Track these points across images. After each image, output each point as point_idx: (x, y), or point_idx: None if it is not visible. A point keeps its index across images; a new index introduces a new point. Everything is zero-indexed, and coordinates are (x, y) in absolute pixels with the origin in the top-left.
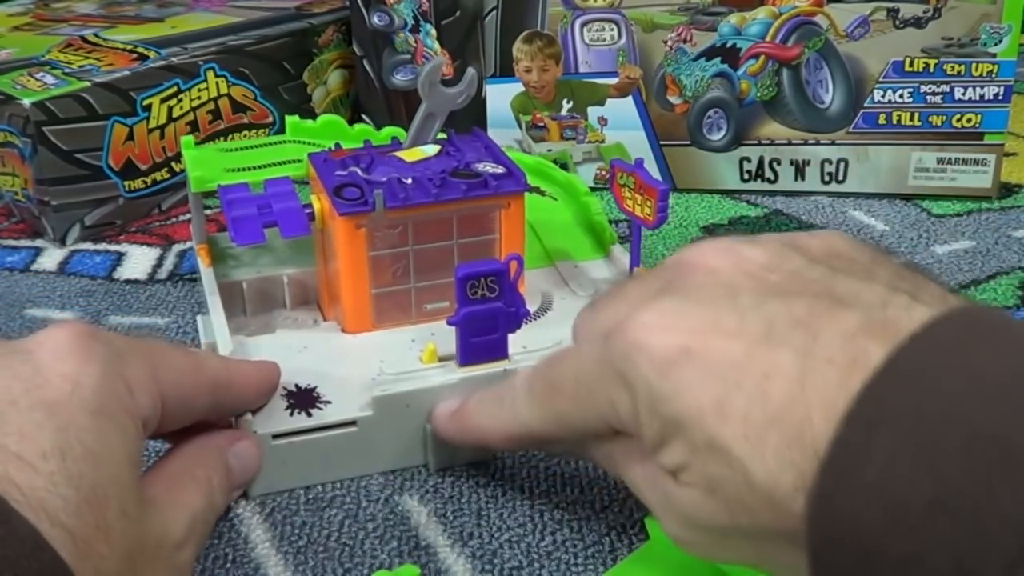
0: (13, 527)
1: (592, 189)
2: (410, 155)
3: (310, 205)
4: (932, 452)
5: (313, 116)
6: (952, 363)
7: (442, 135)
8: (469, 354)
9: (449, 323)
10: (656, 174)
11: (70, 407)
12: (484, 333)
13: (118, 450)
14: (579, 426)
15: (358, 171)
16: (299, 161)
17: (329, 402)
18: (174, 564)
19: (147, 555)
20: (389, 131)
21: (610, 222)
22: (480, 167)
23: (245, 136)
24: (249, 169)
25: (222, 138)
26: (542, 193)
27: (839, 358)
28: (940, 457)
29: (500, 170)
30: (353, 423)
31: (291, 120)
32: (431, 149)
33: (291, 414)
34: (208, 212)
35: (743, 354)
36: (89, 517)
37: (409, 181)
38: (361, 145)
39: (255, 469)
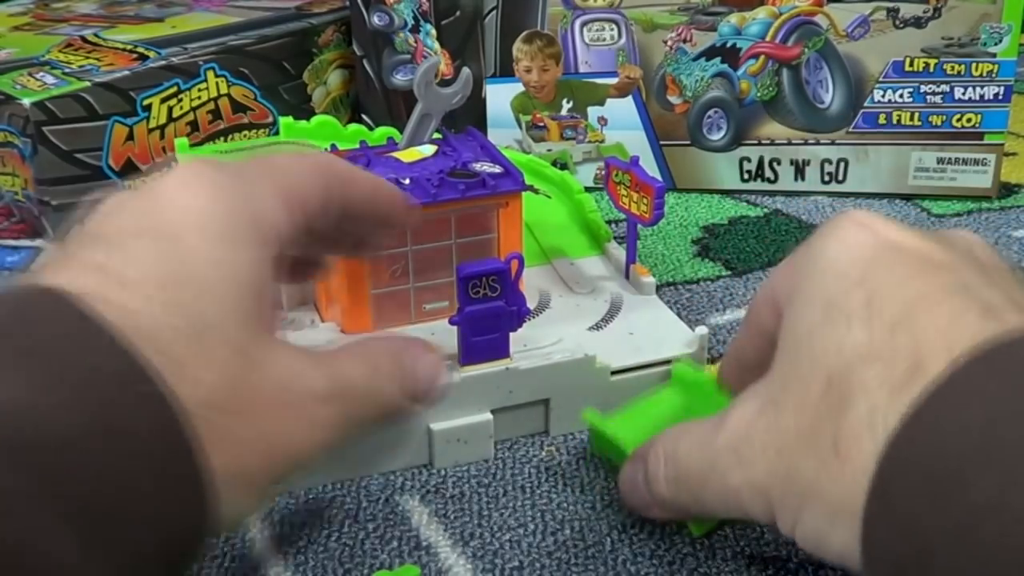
0: (97, 332)
1: (593, 189)
2: (407, 155)
3: None
4: None
5: (313, 116)
6: None
7: (436, 135)
8: (471, 354)
9: (451, 323)
10: (656, 174)
11: (187, 234)
12: (486, 332)
13: (233, 278)
14: None
15: None
16: None
17: None
18: (309, 418)
19: (268, 398)
20: (383, 131)
21: (607, 223)
22: (477, 167)
23: (245, 136)
24: None
25: (222, 138)
26: (535, 191)
27: (975, 325)
28: None
29: (497, 169)
30: None
31: (285, 121)
32: (428, 149)
33: None
34: None
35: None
36: (197, 347)
37: (407, 182)
38: (356, 145)
39: (435, 382)
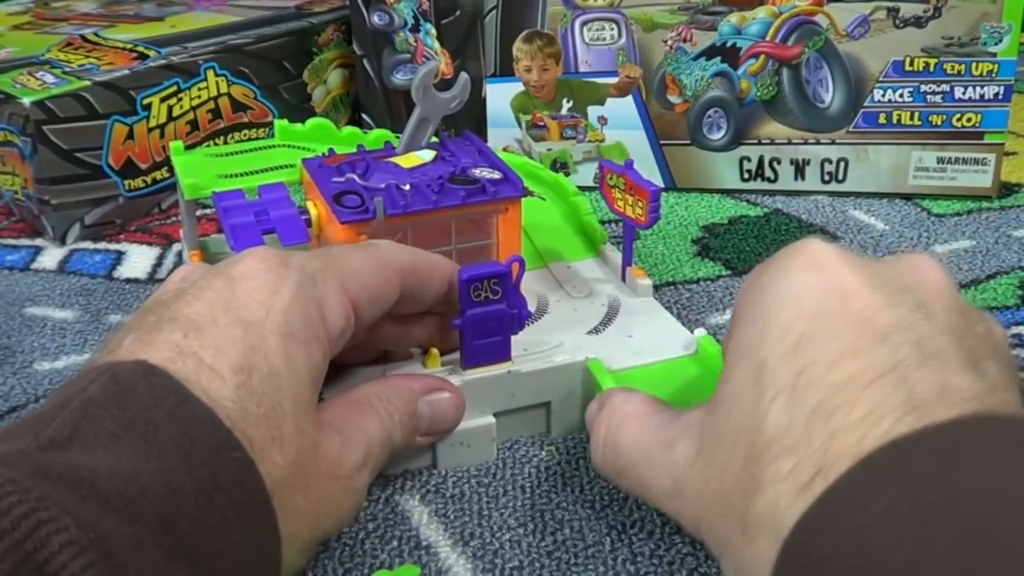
0: (192, 407)
1: (592, 189)
2: (406, 161)
3: (306, 211)
4: (925, 524)
5: (313, 115)
6: (981, 456)
7: (434, 138)
8: (473, 357)
9: (452, 326)
10: (656, 173)
11: (263, 329)
12: (487, 335)
13: (301, 372)
14: None
15: (355, 178)
16: (291, 166)
17: None
18: (352, 487)
19: (323, 474)
20: (378, 134)
21: (602, 223)
22: (477, 172)
23: (245, 136)
24: (242, 175)
25: (222, 137)
26: (530, 193)
27: (891, 422)
28: (930, 530)
29: (496, 175)
30: None
31: (280, 124)
32: (427, 154)
33: None
34: (207, 212)
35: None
36: (266, 430)
37: (407, 187)
38: (353, 149)
39: (450, 421)
